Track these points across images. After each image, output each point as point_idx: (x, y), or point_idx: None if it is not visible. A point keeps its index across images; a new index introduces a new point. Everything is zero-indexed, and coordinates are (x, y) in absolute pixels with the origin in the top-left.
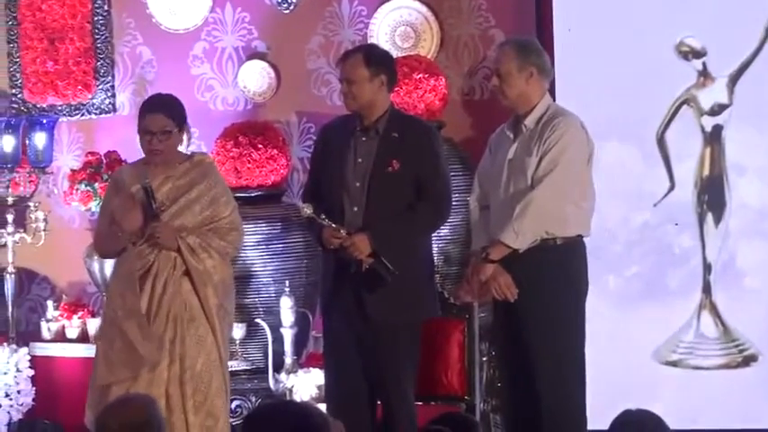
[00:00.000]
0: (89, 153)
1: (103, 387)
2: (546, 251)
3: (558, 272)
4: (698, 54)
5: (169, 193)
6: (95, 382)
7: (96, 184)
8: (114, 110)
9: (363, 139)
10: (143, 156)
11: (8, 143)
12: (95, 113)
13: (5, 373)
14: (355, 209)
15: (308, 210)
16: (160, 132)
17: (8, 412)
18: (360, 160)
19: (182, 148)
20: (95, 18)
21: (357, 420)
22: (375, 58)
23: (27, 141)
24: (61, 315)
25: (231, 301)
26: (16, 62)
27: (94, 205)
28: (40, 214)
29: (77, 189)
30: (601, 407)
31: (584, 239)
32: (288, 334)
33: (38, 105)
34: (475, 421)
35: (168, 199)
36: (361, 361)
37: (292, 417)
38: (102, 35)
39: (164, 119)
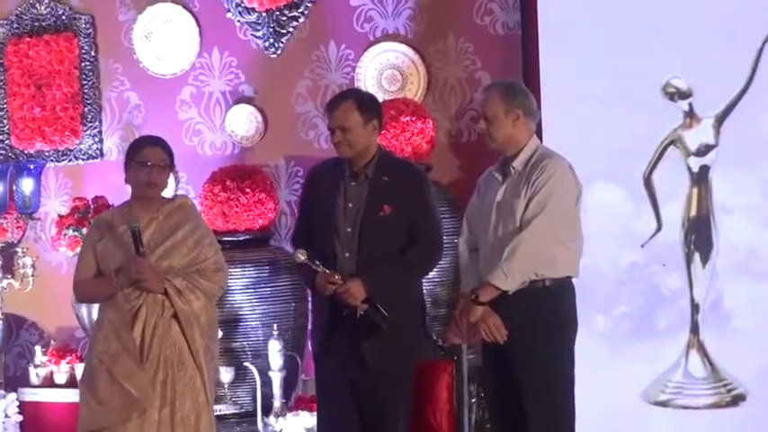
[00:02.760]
0: (76, 198)
1: None
2: (535, 293)
3: (547, 313)
4: (684, 95)
5: (154, 235)
6: (80, 428)
7: (84, 230)
8: (102, 155)
9: (353, 183)
10: (128, 199)
11: None
12: (83, 159)
13: None
14: (347, 254)
15: (301, 256)
16: (158, 166)
17: None
18: (350, 205)
19: (170, 192)
20: (82, 64)
21: None
22: (366, 103)
23: (14, 187)
24: (49, 360)
25: (216, 344)
26: (3, 108)
27: None
28: (28, 260)
29: (65, 234)
30: None
31: (573, 280)
32: (276, 377)
33: (25, 151)
34: None
35: (153, 240)
36: (354, 405)
37: None
38: (90, 81)
39: (162, 153)
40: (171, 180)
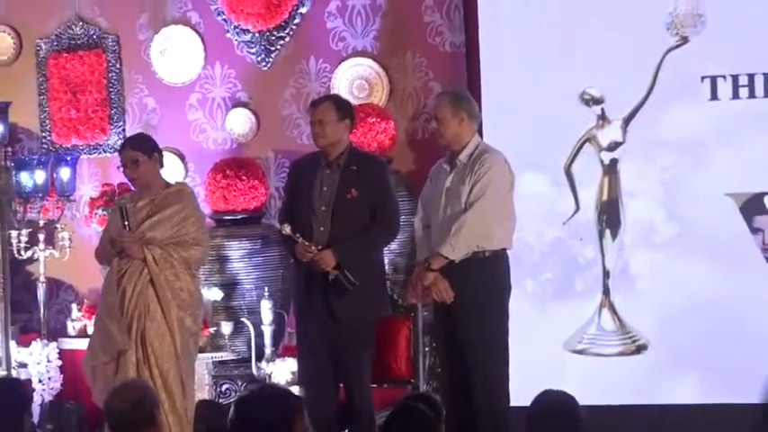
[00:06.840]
0: (105, 184)
1: (92, 368)
2: (476, 261)
3: (486, 278)
4: (597, 101)
5: (149, 212)
6: (83, 364)
7: (111, 210)
8: None
9: (327, 171)
10: None
11: (39, 177)
12: (110, 152)
13: (39, 363)
14: (321, 229)
15: (287, 229)
16: (130, 163)
17: (41, 395)
18: (325, 189)
19: (179, 178)
20: (110, 74)
21: (325, 397)
22: (343, 104)
23: (54, 175)
24: (83, 316)
25: (195, 308)
26: (45, 111)
27: None
28: (66, 234)
29: (96, 213)
30: (521, 387)
31: (507, 252)
32: (267, 330)
33: (63, 146)
34: (440, 402)
35: (146, 216)
36: (327, 352)
37: (274, 399)
38: (115, 88)
39: (130, 151)
40: (180, 167)
